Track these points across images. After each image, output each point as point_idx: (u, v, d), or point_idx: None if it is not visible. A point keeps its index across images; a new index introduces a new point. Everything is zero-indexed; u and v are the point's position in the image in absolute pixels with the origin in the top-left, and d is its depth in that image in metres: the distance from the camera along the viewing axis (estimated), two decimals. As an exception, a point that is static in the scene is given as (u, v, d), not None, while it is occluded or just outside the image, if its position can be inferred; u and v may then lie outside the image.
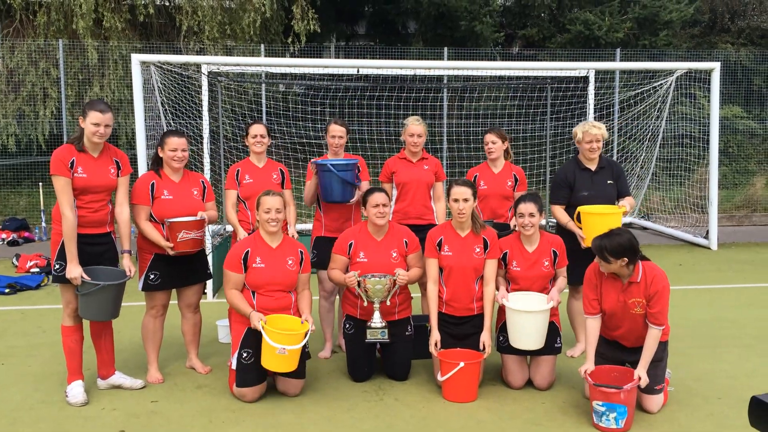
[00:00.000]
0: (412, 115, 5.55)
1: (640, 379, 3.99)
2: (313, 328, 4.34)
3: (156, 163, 4.71)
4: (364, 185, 5.22)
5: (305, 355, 4.50)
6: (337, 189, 5.03)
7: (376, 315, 4.58)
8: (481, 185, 5.36)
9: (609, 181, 5.02)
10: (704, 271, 8.46)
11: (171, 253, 4.52)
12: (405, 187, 5.36)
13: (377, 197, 4.64)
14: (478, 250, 4.59)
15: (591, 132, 4.95)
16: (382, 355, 4.83)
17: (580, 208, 4.86)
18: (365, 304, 4.60)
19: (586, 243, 4.75)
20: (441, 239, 4.60)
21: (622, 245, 3.99)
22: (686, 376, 4.79)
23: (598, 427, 3.97)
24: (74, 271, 4.13)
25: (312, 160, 5.19)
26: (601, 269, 4.17)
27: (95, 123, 4.20)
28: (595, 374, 4.09)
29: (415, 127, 5.33)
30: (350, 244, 4.68)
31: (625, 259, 4.02)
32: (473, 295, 4.60)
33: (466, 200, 4.50)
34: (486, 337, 4.54)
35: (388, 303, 4.59)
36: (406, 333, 4.76)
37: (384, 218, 4.64)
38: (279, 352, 4.11)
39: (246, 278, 4.38)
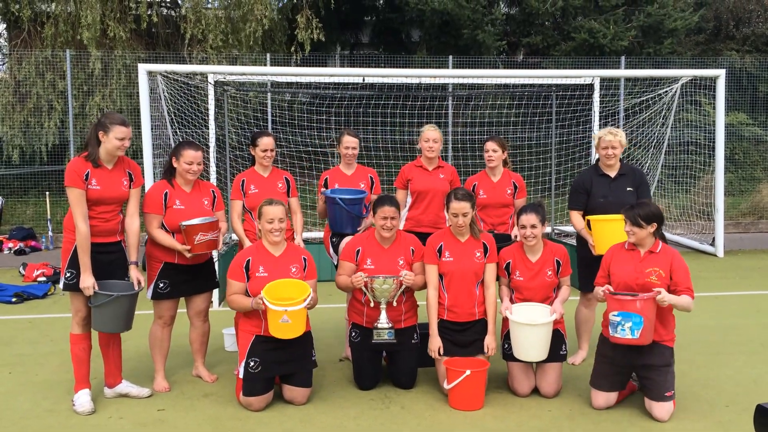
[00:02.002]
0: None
1: (660, 293, 4.00)
2: (312, 294, 4.32)
3: (169, 173, 4.71)
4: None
5: (312, 363, 4.51)
6: (345, 221, 5.10)
7: (383, 315, 4.58)
8: (481, 194, 5.37)
9: (628, 189, 4.99)
10: (710, 278, 8.44)
11: (188, 255, 4.53)
12: (420, 195, 5.38)
13: (387, 210, 4.60)
14: (478, 254, 4.60)
15: (606, 138, 4.98)
16: (388, 364, 4.83)
17: (589, 217, 4.89)
18: (372, 304, 4.61)
19: (596, 251, 4.77)
20: (441, 245, 4.61)
21: (653, 212, 4.20)
22: (693, 383, 4.79)
23: (614, 339, 4.03)
24: (87, 281, 4.15)
25: (322, 191, 5.25)
26: (630, 240, 4.26)
27: (120, 138, 4.22)
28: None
29: (430, 132, 5.36)
30: (357, 251, 4.69)
31: (655, 224, 4.19)
32: (475, 299, 4.61)
33: (465, 215, 4.51)
34: (489, 340, 4.55)
35: (395, 304, 4.60)
36: (412, 341, 4.76)
37: (391, 231, 4.64)
38: (282, 321, 4.14)
39: (249, 286, 4.39)
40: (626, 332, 3.95)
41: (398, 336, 4.64)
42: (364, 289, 4.54)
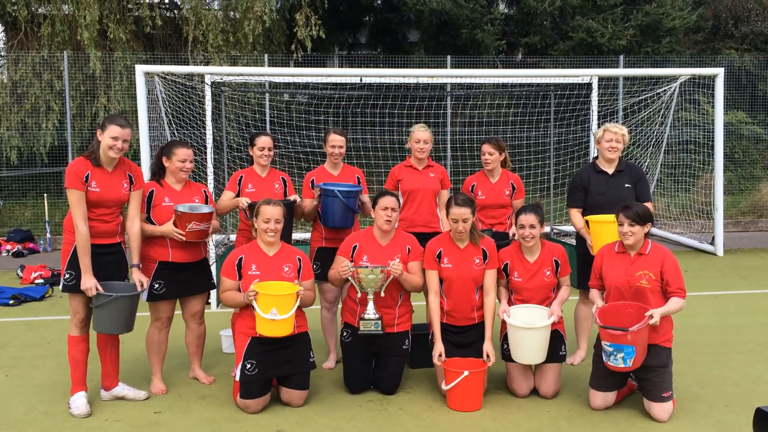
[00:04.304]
0: (416, 123, 5.55)
1: (651, 317, 3.99)
2: (302, 290, 4.29)
3: (158, 174, 4.67)
4: (366, 201, 5.23)
5: (310, 365, 4.48)
6: (340, 215, 5.00)
7: (370, 306, 4.52)
8: (479, 195, 5.35)
9: (627, 185, 5.01)
10: (710, 278, 8.43)
11: (180, 240, 4.48)
12: (411, 194, 5.34)
13: (387, 200, 4.57)
14: (477, 261, 4.56)
15: (611, 130, 5.00)
16: (374, 366, 4.74)
17: (588, 217, 4.87)
18: (359, 294, 4.56)
19: (594, 251, 4.75)
20: (440, 251, 4.57)
21: (645, 211, 4.21)
22: (692, 382, 4.77)
23: (608, 366, 4.05)
24: (89, 282, 4.13)
25: (317, 184, 5.16)
26: (627, 242, 4.23)
27: (114, 137, 4.19)
28: (607, 312, 4.13)
29: (421, 133, 5.32)
30: (354, 247, 4.65)
31: (650, 224, 4.21)
32: (474, 305, 4.58)
33: (465, 220, 4.48)
34: (488, 347, 4.51)
35: (382, 294, 4.54)
36: (403, 347, 4.69)
37: (391, 223, 4.59)
38: (271, 316, 4.10)
39: (242, 285, 4.37)
40: (619, 362, 3.96)
41: (388, 341, 4.59)
42: (350, 279, 4.49)
